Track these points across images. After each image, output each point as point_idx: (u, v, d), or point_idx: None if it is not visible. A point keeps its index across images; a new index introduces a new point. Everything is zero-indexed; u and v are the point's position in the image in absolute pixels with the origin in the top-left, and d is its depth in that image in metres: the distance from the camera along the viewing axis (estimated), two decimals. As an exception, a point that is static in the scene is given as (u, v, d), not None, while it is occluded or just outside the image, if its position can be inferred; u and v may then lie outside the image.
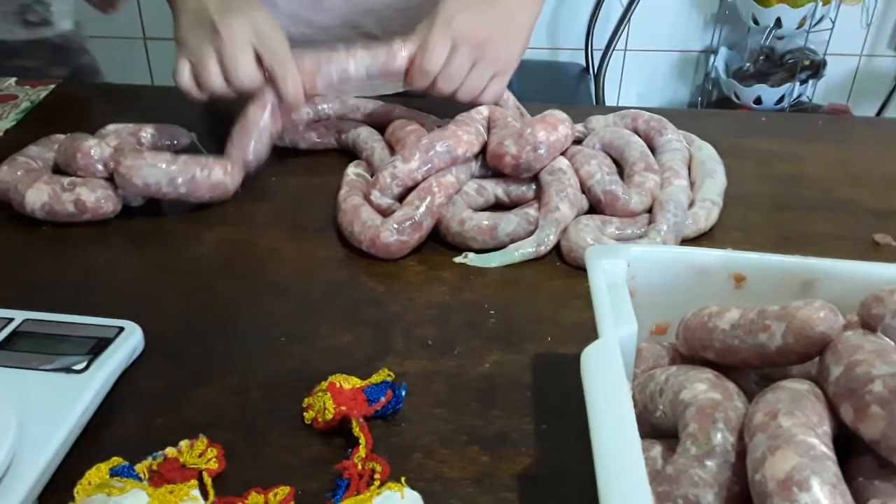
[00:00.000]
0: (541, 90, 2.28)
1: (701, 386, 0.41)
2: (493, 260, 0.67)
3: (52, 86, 0.94)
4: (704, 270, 0.50)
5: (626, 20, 1.97)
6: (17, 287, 0.63)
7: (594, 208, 0.72)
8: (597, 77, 2.07)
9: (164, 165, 0.69)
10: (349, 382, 0.52)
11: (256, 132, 0.74)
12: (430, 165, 0.71)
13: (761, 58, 2.39)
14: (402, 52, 0.76)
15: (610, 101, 2.37)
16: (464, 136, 0.73)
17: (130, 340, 0.54)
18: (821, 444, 0.34)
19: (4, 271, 0.64)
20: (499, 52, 0.78)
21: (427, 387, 0.54)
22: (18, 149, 0.74)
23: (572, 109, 0.88)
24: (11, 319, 0.54)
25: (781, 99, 2.32)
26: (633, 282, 0.50)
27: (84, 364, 0.50)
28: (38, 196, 0.68)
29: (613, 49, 2.02)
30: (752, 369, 0.45)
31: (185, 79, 0.75)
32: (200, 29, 0.74)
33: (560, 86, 2.28)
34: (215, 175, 0.71)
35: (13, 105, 0.90)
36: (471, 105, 0.78)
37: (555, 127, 0.72)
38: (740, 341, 0.43)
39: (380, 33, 0.90)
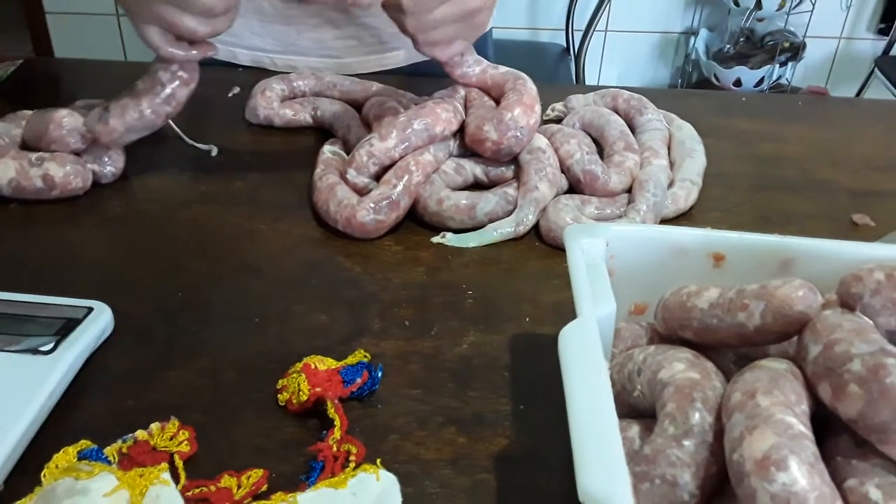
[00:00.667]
0: (521, 70, 2.26)
1: (679, 365, 0.41)
2: (471, 240, 0.66)
3: (20, 62, 0.91)
4: (683, 250, 0.50)
5: (607, 1, 1.96)
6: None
7: (573, 188, 0.71)
8: (577, 57, 2.06)
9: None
10: (324, 363, 0.51)
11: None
12: (407, 143, 0.69)
13: (741, 39, 2.39)
14: None
15: (590, 81, 2.37)
16: (442, 113, 0.72)
17: (99, 321, 0.52)
18: (799, 424, 0.34)
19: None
20: (483, 19, 0.72)
21: (403, 367, 0.53)
22: (-16, 125, 0.72)
23: (552, 88, 0.88)
24: (-25, 299, 0.53)
25: (761, 81, 2.33)
26: (611, 261, 0.49)
27: (51, 345, 0.49)
28: (4, 171, 0.67)
29: (594, 30, 2.01)
30: (730, 349, 0.45)
31: (158, 40, 0.66)
32: None
33: (540, 66, 2.27)
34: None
35: (-21, 81, 0.87)
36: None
37: (532, 108, 0.71)
38: (718, 321, 0.43)
39: None
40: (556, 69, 2.24)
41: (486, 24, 0.74)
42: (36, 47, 2.59)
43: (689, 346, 0.44)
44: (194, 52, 0.68)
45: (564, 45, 2.38)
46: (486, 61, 0.77)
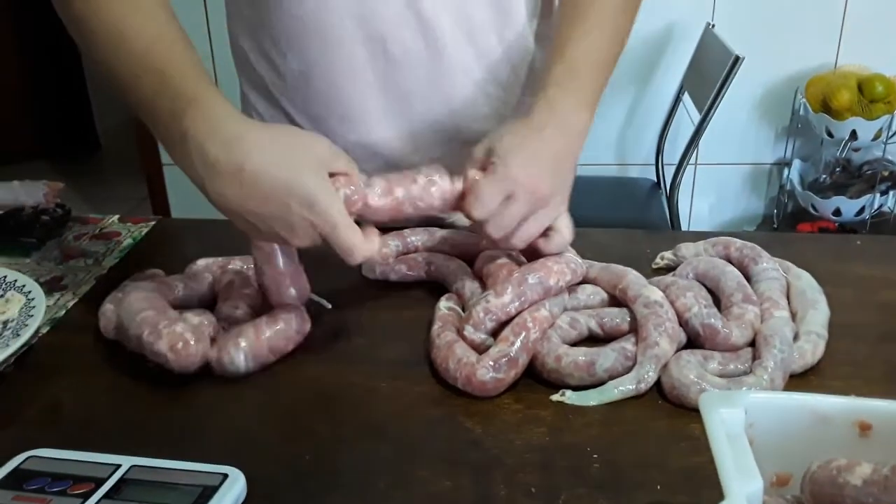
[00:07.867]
0: (612, 206, 2.29)
1: (842, 554, 0.38)
2: (591, 398, 0.65)
3: (153, 223, 0.98)
4: (826, 418, 0.48)
5: (699, 134, 1.98)
6: (124, 427, 0.64)
7: (692, 342, 0.70)
8: (670, 192, 2.07)
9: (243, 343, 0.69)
10: (454, 535, 0.51)
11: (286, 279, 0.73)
12: (523, 299, 0.70)
13: (837, 169, 2.36)
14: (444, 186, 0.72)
15: (682, 214, 2.36)
16: (554, 266, 0.73)
17: (234, 488, 0.53)
18: None
19: (109, 411, 0.65)
20: (559, 202, 0.74)
21: (534, 539, 0.52)
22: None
23: (659, 235, 0.88)
24: (119, 466, 0.55)
25: (862, 210, 2.28)
26: (750, 429, 0.48)
27: (191, 516, 0.50)
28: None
29: (686, 164, 2.03)
30: (892, 532, 0.42)
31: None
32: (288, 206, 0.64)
33: (631, 202, 2.29)
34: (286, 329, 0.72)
35: (116, 242, 0.93)
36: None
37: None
38: (875, 500, 0.41)
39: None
40: (647, 204, 2.25)
41: (564, 201, 0.75)
42: (151, 193, 2.80)
43: (842, 524, 0.42)
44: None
45: (655, 179, 2.40)
46: None
